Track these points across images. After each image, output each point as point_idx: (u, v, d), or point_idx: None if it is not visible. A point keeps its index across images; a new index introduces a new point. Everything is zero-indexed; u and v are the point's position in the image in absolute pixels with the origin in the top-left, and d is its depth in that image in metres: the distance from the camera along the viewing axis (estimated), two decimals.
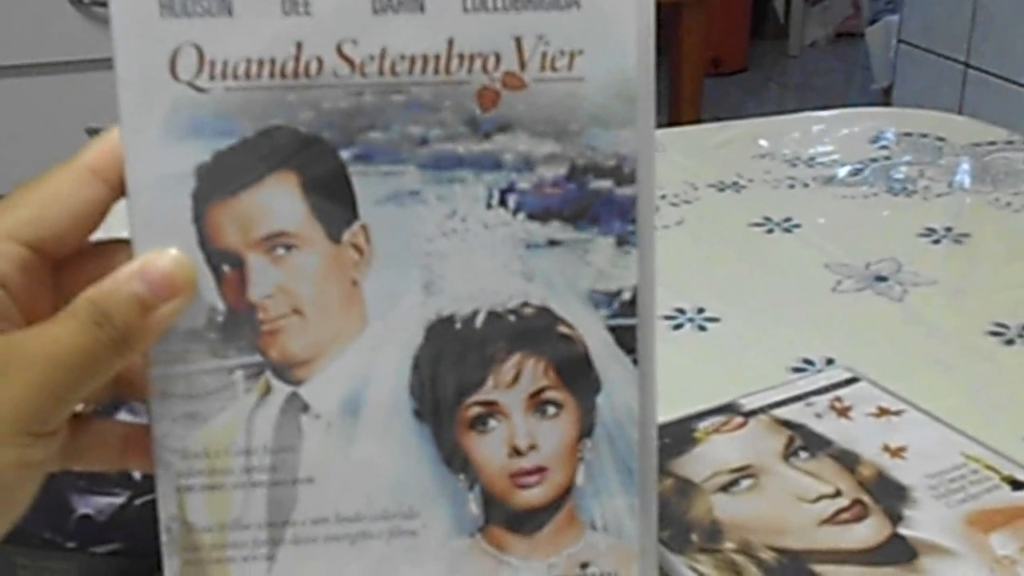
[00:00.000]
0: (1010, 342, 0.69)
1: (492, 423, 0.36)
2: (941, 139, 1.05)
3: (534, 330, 0.36)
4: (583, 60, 0.35)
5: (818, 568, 0.47)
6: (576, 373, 0.36)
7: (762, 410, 0.58)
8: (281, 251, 0.35)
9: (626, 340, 0.36)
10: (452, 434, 0.36)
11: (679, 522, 0.50)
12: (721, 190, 0.95)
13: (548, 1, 0.34)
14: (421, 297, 0.35)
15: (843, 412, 0.57)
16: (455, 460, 0.36)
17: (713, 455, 0.54)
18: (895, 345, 0.69)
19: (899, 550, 0.48)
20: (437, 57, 0.34)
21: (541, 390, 0.36)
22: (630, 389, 0.37)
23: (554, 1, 0.35)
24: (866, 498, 0.51)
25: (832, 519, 0.50)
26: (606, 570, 0.37)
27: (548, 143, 0.35)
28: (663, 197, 0.93)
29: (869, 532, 0.49)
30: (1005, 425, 0.59)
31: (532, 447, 0.36)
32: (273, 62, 0.34)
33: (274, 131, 0.34)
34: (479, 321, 0.36)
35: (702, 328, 0.72)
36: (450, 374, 0.36)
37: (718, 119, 1.18)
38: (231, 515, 0.36)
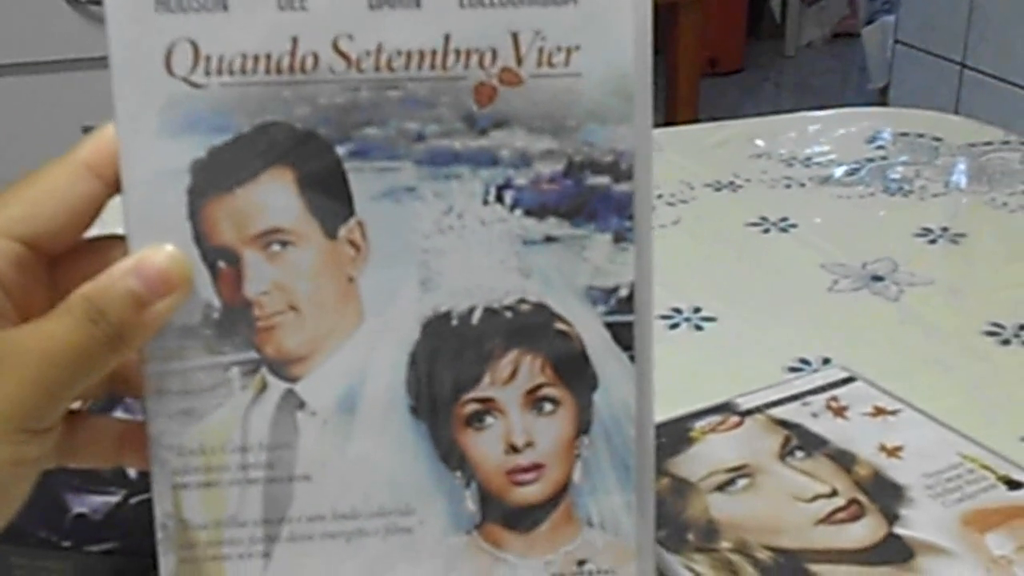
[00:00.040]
0: (1006, 342, 0.69)
1: (489, 420, 0.36)
2: (937, 139, 1.05)
3: (531, 326, 0.36)
4: (580, 56, 0.35)
5: (814, 567, 0.47)
6: (573, 370, 0.36)
7: (758, 409, 0.58)
8: (277, 247, 0.35)
9: (623, 337, 0.36)
10: (449, 431, 0.36)
11: (675, 521, 0.50)
12: (717, 190, 0.95)
13: None
14: (417, 293, 0.35)
15: (839, 412, 0.57)
16: (452, 457, 0.36)
17: (709, 454, 0.54)
18: (891, 345, 0.69)
19: (895, 550, 0.47)
20: (433, 53, 0.34)
21: (538, 387, 0.36)
22: (627, 386, 0.36)
23: None
24: (862, 498, 0.51)
25: (828, 518, 0.49)
26: (603, 567, 0.37)
27: (545, 139, 0.35)
28: (659, 197, 0.93)
29: (865, 532, 0.49)
30: (1001, 425, 0.59)
31: (529, 444, 0.36)
32: (268, 58, 0.34)
33: (270, 127, 0.34)
34: (476, 317, 0.36)
35: (698, 328, 0.72)
36: (447, 371, 0.36)
37: (714, 119, 1.18)
38: (227, 512, 0.36)
